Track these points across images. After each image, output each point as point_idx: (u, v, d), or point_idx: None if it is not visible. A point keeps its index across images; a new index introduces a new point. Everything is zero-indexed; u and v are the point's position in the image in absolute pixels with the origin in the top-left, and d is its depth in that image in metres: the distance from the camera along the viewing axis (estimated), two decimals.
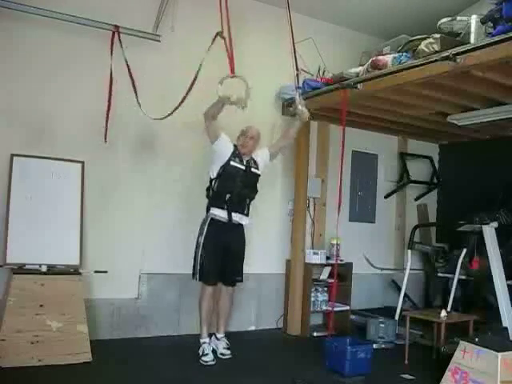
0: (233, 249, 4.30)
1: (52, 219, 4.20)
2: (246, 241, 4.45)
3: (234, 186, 4.18)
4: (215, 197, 4.22)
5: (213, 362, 4.07)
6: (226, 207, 4.18)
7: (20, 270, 3.93)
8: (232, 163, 4.20)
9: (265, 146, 4.61)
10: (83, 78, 4.50)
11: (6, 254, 3.97)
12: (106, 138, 4.43)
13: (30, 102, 4.33)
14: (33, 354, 3.68)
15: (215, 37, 3.98)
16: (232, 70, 3.93)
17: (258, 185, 4.42)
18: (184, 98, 4.04)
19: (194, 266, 4.23)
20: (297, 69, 4.55)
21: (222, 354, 4.29)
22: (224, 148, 4.24)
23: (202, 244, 4.19)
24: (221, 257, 4.22)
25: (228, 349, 4.34)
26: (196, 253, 4.23)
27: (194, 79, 4.00)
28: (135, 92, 4.25)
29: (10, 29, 4.25)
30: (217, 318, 4.49)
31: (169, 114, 4.16)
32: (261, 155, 4.47)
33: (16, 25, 4.26)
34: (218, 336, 4.43)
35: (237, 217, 4.25)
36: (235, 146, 4.33)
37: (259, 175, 4.41)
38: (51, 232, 4.17)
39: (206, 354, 4.10)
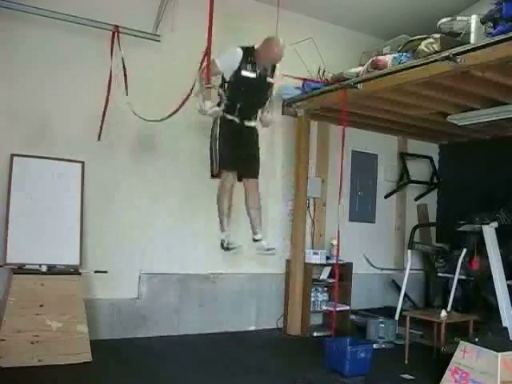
0: (245, 146, 4.11)
1: (52, 219, 4.20)
2: (259, 141, 4.23)
3: (245, 96, 3.97)
4: (226, 104, 3.98)
5: (237, 245, 4.11)
6: (237, 114, 3.99)
7: (20, 270, 3.93)
8: (243, 72, 3.91)
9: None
10: (83, 78, 4.50)
11: (6, 254, 3.97)
12: (99, 137, 4.42)
13: (30, 101, 4.33)
14: (33, 354, 3.69)
15: (204, 55, 3.91)
16: (207, 82, 3.84)
17: (268, 93, 4.16)
18: (178, 109, 4.07)
19: (212, 161, 4.02)
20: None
21: (267, 249, 4.22)
22: (229, 65, 3.92)
23: (217, 136, 4.00)
24: (237, 149, 4.02)
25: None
26: (213, 147, 4.02)
27: (188, 95, 4.01)
28: (126, 90, 4.27)
29: (9, 29, 4.25)
30: (250, 218, 4.31)
31: (164, 119, 4.19)
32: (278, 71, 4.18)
33: (16, 25, 4.26)
34: (257, 237, 4.27)
35: (247, 122, 4.07)
36: (248, 50, 3.97)
37: (273, 84, 4.16)
38: (51, 232, 4.17)
39: (232, 243, 4.11)
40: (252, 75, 3.94)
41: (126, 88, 4.29)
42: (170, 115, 4.15)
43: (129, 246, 4.72)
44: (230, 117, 3.99)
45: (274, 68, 4.09)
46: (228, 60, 3.93)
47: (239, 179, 4.18)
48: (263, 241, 4.25)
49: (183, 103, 4.07)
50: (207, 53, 3.84)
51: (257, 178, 4.24)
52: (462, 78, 4.03)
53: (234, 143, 4.01)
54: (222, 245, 4.13)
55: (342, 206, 4.59)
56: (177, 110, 4.12)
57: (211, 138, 4.03)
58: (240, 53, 3.91)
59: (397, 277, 6.26)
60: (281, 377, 3.90)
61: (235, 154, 4.02)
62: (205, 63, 3.88)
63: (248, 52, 3.94)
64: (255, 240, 4.27)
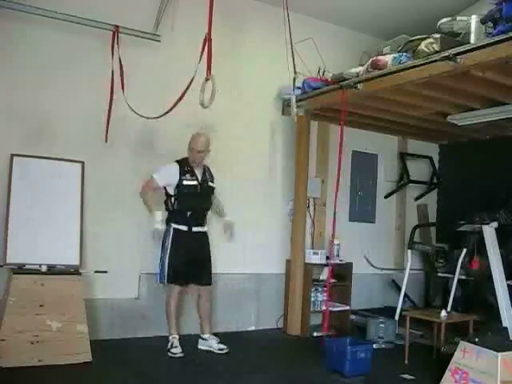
0: (198, 255, 4.43)
1: (52, 219, 4.20)
2: (210, 246, 4.54)
3: (193, 203, 4.34)
4: (176, 214, 4.34)
5: (181, 355, 4.18)
6: (187, 223, 4.33)
7: (20, 270, 3.93)
8: (185, 182, 4.31)
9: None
10: (83, 78, 4.50)
11: (6, 254, 3.97)
12: (106, 139, 4.44)
13: (30, 101, 4.33)
14: (33, 354, 3.69)
15: (204, 40, 3.95)
16: (208, 73, 3.91)
17: (212, 197, 4.56)
18: (174, 105, 4.07)
19: (161, 271, 4.35)
20: (294, 72, 4.59)
21: (219, 349, 4.36)
22: (168, 180, 4.34)
23: (168, 248, 4.30)
24: (188, 259, 4.32)
25: (221, 343, 4.40)
26: (162, 258, 4.35)
27: (182, 94, 4.02)
28: (123, 90, 4.29)
29: (9, 29, 4.25)
30: (200, 320, 4.58)
31: (160, 116, 4.19)
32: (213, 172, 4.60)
33: (16, 25, 4.26)
34: (205, 337, 4.50)
35: (198, 228, 4.41)
36: (182, 161, 4.37)
37: (214, 188, 4.56)
38: (51, 232, 4.17)
39: (175, 347, 4.24)
40: (194, 182, 4.32)
41: (123, 88, 4.29)
42: (166, 112, 4.15)
43: (129, 245, 4.72)
44: (181, 227, 4.32)
45: (210, 173, 4.50)
46: (166, 175, 4.32)
47: (193, 282, 4.49)
48: (212, 340, 4.45)
49: (179, 99, 4.05)
50: (209, 38, 3.90)
51: (210, 284, 4.53)
52: (462, 78, 4.03)
53: (185, 255, 4.29)
54: (168, 349, 4.26)
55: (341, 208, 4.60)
56: (173, 107, 4.11)
57: (162, 247, 4.35)
58: (176, 166, 4.31)
59: (397, 277, 6.26)
60: (281, 377, 3.90)
61: (185, 268, 4.31)
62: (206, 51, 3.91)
63: (184, 163, 4.36)
64: (202, 338, 4.50)
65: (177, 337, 4.35)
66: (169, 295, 4.42)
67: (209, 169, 4.55)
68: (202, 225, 4.43)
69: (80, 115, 4.49)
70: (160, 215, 4.25)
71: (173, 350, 4.21)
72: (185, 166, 4.36)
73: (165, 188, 4.37)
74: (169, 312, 4.41)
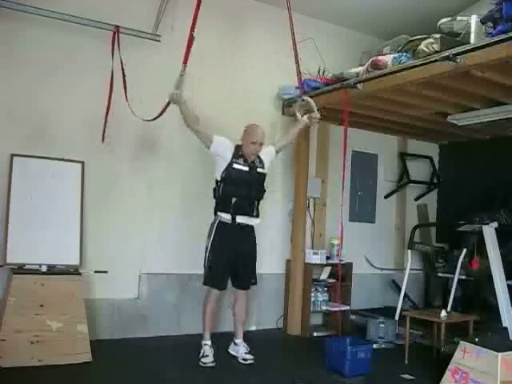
0: (242, 252, 4.17)
1: (52, 219, 4.20)
2: (256, 243, 4.29)
3: (240, 190, 4.04)
4: (221, 201, 4.08)
5: (212, 364, 4.00)
6: (231, 211, 4.04)
7: (20, 270, 3.93)
8: (235, 166, 4.05)
9: (269, 144, 4.45)
10: (83, 78, 4.50)
11: (6, 254, 3.96)
12: (103, 139, 4.44)
13: (30, 101, 4.33)
14: (33, 354, 3.68)
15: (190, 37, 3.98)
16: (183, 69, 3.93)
17: (264, 184, 4.30)
18: (166, 107, 4.10)
19: (204, 271, 4.15)
20: (299, 72, 4.52)
21: (244, 359, 4.17)
22: (222, 150, 4.08)
23: (209, 248, 4.10)
24: (230, 260, 4.10)
25: (249, 353, 4.21)
26: (204, 257, 4.15)
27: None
28: (125, 92, 4.29)
29: (9, 29, 4.25)
30: (234, 323, 4.40)
31: (154, 118, 4.21)
32: (266, 153, 4.27)
33: (16, 25, 4.26)
34: (237, 341, 4.32)
35: (244, 219, 4.11)
36: (237, 146, 4.16)
37: (265, 174, 4.28)
38: (51, 232, 4.17)
39: (206, 356, 4.05)
40: (245, 168, 4.06)
41: (126, 92, 4.29)
42: (158, 115, 4.18)
43: (129, 246, 4.72)
44: (225, 217, 4.06)
45: (261, 161, 4.22)
46: (222, 145, 4.08)
47: (233, 285, 4.29)
48: (242, 347, 4.26)
49: (167, 106, 4.09)
50: (191, 34, 3.94)
51: (254, 284, 4.33)
52: (462, 78, 4.02)
53: (227, 256, 4.07)
54: (200, 358, 4.05)
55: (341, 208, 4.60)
56: (163, 111, 4.15)
57: (206, 242, 4.13)
58: (232, 145, 4.08)
59: (397, 277, 6.26)
60: (281, 377, 3.90)
61: (226, 272, 4.12)
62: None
63: (237, 148, 4.13)
64: (235, 343, 4.31)
65: (209, 343, 4.14)
66: (206, 299, 4.20)
67: (259, 156, 4.21)
68: (249, 215, 4.11)
69: (80, 115, 4.49)
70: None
71: (204, 360, 4.01)
72: (239, 150, 4.11)
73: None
74: (204, 318, 4.20)
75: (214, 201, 4.19)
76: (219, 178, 4.09)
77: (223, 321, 4.92)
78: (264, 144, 4.24)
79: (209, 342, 4.17)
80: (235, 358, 4.25)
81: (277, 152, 4.45)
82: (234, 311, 4.41)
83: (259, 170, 4.19)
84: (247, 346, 4.30)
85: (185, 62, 3.93)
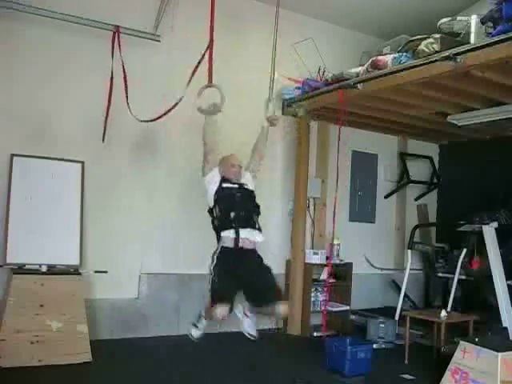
0: (249, 273, 3.82)
1: (52, 219, 4.20)
2: (263, 260, 3.98)
3: (236, 204, 3.91)
4: (221, 220, 3.89)
5: (197, 339, 3.86)
6: (233, 226, 3.81)
7: (20, 269, 3.93)
8: (225, 185, 3.99)
9: (244, 172, 4.27)
10: (83, 78, 4.51)
11: (6, 254, 3.97)
12: (103, 139, 4.43)
13: (30, 101, 4.33)
14: (33, 354, 3.69)
15: (207, 48, 3.92)
16: (209, 80, 3.87)
17: (255, 200, 4.12)
18: (171, 109, 4.07)
19: (210, 292, 3.79)
20: (273, 74, 4.45)
21: (248, 333, 3.92)
22: (214, 177, 4.02)
23: (212, 270, 3.81)
24: (236, 278, 3.75)
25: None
26: (209, 282, 3.82)
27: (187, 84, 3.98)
28: (126, 92, 4.27)
29: (9, 29, 4.25)
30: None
31: (155, 119, 4.19)
32: (248, 180, 4.18)
33: (16, 25, 4.26)
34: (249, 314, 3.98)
35: (247, 233, 3.85)
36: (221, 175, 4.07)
37: (254, 192, 4.14)
38: (51, 232, 4.17)
39: (199, 329, 3.89)
40: (234, 186, 4.00)
41: (126, 91, 4.28)
42: (161, 116, 4.15)
43: (129, 245, 4.72)
44: (228, 239, 3.79)
45: (248, 179, 4.13)
46: (216, 175, 3.99)
47: (259, 306, 3.86)
48: (249, 321, 3.97)
49: (174, 107, 4.07)
50: (210, 46, 3.82)
51: (272, 305, 3.71)
52: (462, 78, 4.03)
53: (232, 275, 3.74)
54: (193, 325, 3.90)
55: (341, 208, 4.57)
56: (167, 112, 4.13)
57: (209, 268, 3.83)
58: (218, 174, 4.00)
59: (397, 277, 6.26)
60: (281, 377, 3.90)
61: (232, 289, 3.73)
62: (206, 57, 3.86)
63: (222, 177, 4.02)
64: (247, 315, 3.98)
65: (205, 323, 3.90)
66: (209, 313, 3.81)
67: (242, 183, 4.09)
68: (252, 227, 3.88)
69: (80, 115, 4.49)
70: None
71: (193, 332, 3.86)
72: (225, 178, 4.01)
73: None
74: (205, 315, 3.92)
75: (215, 232, 3.94)
76: (213, 203, 3.96)
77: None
78: (242, 167, 4.15)
79: (204, 323, 3.92)
80: (240, 360, 4.22)
81: (253, 177, 4.28)
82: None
83: (247, 187, 4.07)
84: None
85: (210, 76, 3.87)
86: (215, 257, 3.86)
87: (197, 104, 3.85)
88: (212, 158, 4.02)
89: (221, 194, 3.99)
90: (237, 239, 3.77)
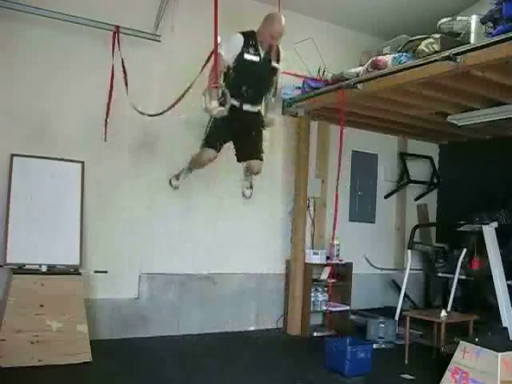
0: (248, 131, 4.09)
1: (52, 219, 4.20)
2: (261, 125, 4.18)
3: (249, 81, 3.91)
4: (232, 87, 3.90)
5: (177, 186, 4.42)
6: (239, 99, 3.93)
7: (20, 269, 3.93)
8: (246, 56, 3.86)
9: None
10: (83, 78, 4.50)
11: (6, 254, 3.97)
12: (105, 138, 4.43)
13: (30, 101, 4.33)
14: (33, 354, 3.69)
15: (211, 54, 3.90)
16: (215, 81, 3.87)
17: (275, 79, 4.13)
18: (176, 102, 4.07)
19: (203, 137, 4.09)
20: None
21: (249, 192, 4.45)
22: (234, 49, 3.87)
23: (211, 119, 4.01)
24: (232, 135, 4.06)
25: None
26: (206, 127, 4.08)
27: (185, 91, 4.01)
28: (126, 90, 4.27)
29: (10, 29, 4.25)
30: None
31: (162, 112, 4.18)
32: (283, 59, 4.12)
33: (16, 25, 4.26)
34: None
35: (250, 107, 4.02)
36: (248, 34, 3.91)
37: (278, 69, 4.08)
38: (51, 232, 4.17)
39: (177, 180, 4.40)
40: (255, 58, 3.89)
41: (127, 89, 4.29)
42: (168, 109, 4.16)
43: (129, 245, 4.72)
44: (232, 102, 3.89)
45: (278, 54, 4.04)
46: (231, 48, 3.88)
47: (238, 160, 4.22)
48: (250, 190, 4.43)
49: (179, 99, 4.06)
50: (215, 51, 3.78)
51: (260, 159, 4.17)
52: (462, 78, 4.03)
53: (231, 128, 4.00)
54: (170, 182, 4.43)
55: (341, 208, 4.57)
56: (173, 105, 4.12)
57: (209, 117, 4.02)
58: (241, 37, 3.88)
59: (397, 277, 6.26)
60: (281, 377, 3.89)
61: (226, 137, 4.05)
62: (211, 63, 3.83)
63: (249, 36, 3.90)
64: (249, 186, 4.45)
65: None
66: (195, 159, 4.24)
67: (278, 49, 4.03)
68: (255, 104, 4.02)
69: (80, 115, 4.49)
70: (215, 104, 3.78)
71: (174, 182, 4.43)
72: (250, 38, 3.89)
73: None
74: (189, 167, 4.36)
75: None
76: (232, 66, 3.91)
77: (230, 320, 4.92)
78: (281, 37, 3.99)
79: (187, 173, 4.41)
80: (240, 360, 4.27)
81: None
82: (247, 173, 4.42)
83: (273, 63, 4.00)
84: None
85: (215, 78, 3.82)
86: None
87: (204, 105, 3.83)
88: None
89: (240, 64, 3.89)
90: (241, 106, 3.97)
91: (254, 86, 3.97)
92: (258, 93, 4.05)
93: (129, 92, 4.29)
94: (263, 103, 4.28)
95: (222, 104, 3.83)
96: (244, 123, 4.04)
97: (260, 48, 3.92)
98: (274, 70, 4.06)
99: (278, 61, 4.06)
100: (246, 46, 3.86)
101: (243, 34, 3.90)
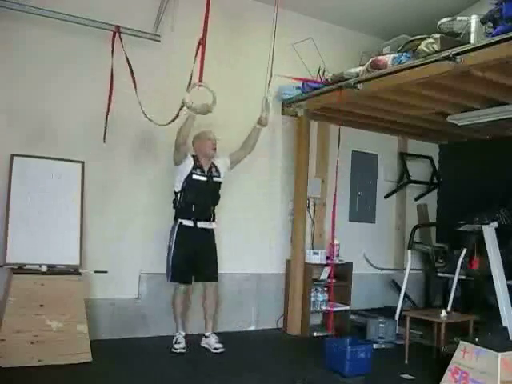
0: (203, 251, 4.46)
1: (52, 219, 4.19)
2: (215, 244, 4.56)
3: (199, 198, 4.37)
4: (182, 209, 4.39)
5: (183, 351, 4.25)
6: (192, 218, 4.36)
7: (20, 269, 3.93)
8: (194, 176, 4.36)
9: (225, 155, 4.65)
10: (83, 78, 4.51)
11: (6, 254, 3.96)
12: (104, 139, 4.43)
13: (30, 102, 4.33)
14: (33, 354, 3.68)
15: (198, 46, 3.99)
16: (200, 79, 3.94)
17: (219, 192, 4.57)
18: (180, 109, 4.12)
19: (167, 269, 4.41)
20: (271, 74, 4.59)
21: (215, 348, 4.40)
22: (186, 164, 4.38)
23: (172, 247, 4.37)
24: (193, 257, 4.37)
25: (220, 342, 4.43)
26: (168, 257, 4.40)
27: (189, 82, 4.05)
28: (135, 88, 4.30)
29: (10, 29, 4.25)
30: (204, 317, 4.59)
31: (170, 122, 4.23)
32: (222, 163, 4.59)
33: (16, 25, 4.26)
34: (206, 334, 4.53)
35: (204, 224, 4.43)
36: (193, 157, 4.44)
37: (221, 183, 4.57)
38: (51, 232, 4.17)
39: (179, 343, 4.30)
40: (202, 178, 4.38)
41: (135, 84, 4.31)
42: (173, 120, 4.23)
43: (129, 246, 4.72)
44: (186, 222, 4.36)
45: (217, 168, 4.52)
46: (188, 160, 4.38)
47: (196, 280, 4.55)
48: (212, 338, 4.48)
49: (181, 108, 4.11)
50: (203, 43, 3.92)
51: (215, 280, 4.54)
52: (462, 78, 4.03)
53: (190, 253, 4.33)
54: (173, 345, 4.32)
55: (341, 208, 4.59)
56: (178, 113, 4.17)
57: (168, 246, 4.40)
58: (191, 159, 4.38)
59: (397, 277, 6.26)
60: (281, 377, 3.89)
61: (190, 267, 4.37)
62: (199, 56, 3.98)
63: (195, 158, 4.43)
64: (205, 336, 4.54)
65: (183, 334, 4.40)
66: (174, 294, 4.47)
67: (215, 165, 4.53)
68: (208, 220, 4.44)
69: (80, 115, 4.49)
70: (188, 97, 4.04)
71: (176, 346, 4.28)
72: (196, 161, 4.42)
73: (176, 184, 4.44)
74: (175, 312, 4.46)
75: (174, 210, 4.45)
76: (179, 189, 4.39)
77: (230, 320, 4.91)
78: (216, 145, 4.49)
79: (183, 333, 4.40)
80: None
81: (232, 163, 4.68)
82: (204, 305, 4.59)
83: (215, 179, 4.51)
84: (216, 337, 4.49)
85: (200, 76, 4.01)
86: (175, 231, 4.38)
87: (185, 100, 3.98)
88: (183, 148, 4.32)
89: (188, 185, 4.37)
90: (195, 224, 4.37)
91: (204, 203, 4.43)
92: (207, 209, 4.47)
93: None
94: (263, 103, 4.62)
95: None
96: (200, 243, 4.42)
97: (204, 168, 4.44)
98: (219, 184, 4.56)
99: (219, 176, 4.54)
100: (194, 168, 4.37)
101: (193, 156, 4.43)
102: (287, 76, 5.08)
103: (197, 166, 4.39)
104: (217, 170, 4.53)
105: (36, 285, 3.81)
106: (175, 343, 4.31)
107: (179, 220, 4.39)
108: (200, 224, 4.39)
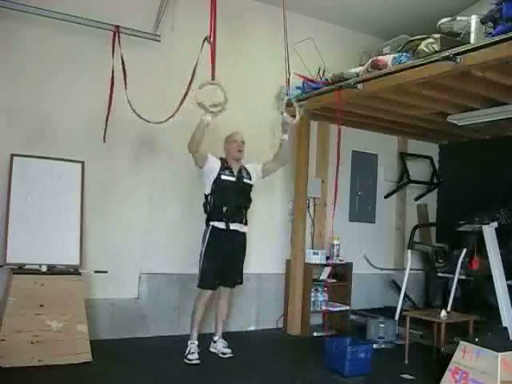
0: (233, 255, 4.35)
1: (52, 219, 4.20)
2: (246, 248, 4.48)
3: (230, 198, 4.26)
4: (213, 211, 4.27)
5: (197, 362, 4.06)
6: (224, 219, 4.24)
7: (20, 269, 3.93)
8: (223, 177, 4.27)
9: (260, 162, 4.60)
10: (83, 78, 4.51)
11: (6, 254, 3.97)
12: (104, 139, 4.43)
13: (30, 102, 4.33)
14: (33, 354, 3.68)
15: (203, 42, 3.96)
16: (213, 76, 3.91)
17: (251, 194, 4.48)
18: (180, 104, 4.07)
19: (199, 274, 4.28)
20: (289, 73, 4.55)
21: (223, 353, 4.33)
22: (212, 166, 4.28)
23: (203, 252, 4.26)
24: (221, 263, 4.26)
25: (228, 347, 4.37)
26: (199, 262, 4.29)
27: (189, 85, 4.02)
28: (126, 90, 4.27)
29: (10, 29, 4.25)
30: (215, 321, 4.54)
31: (165, 120, 4.20)
32: (253, 168, 4.51)
33: (16, 25, 4.26)
34: (215, 339, 4.47)
35: (237, 226, 4.31)
36: (222, 159, 4.37)
37: (252, 185, 4.47)
38: (51, 232, 4.17)
39: (192, 353, 4.12)
40: (231, 179, 4.30)
41: (125, 82, 4.29)
42: (170, 117, 4.17)
43: (129, 246, 4.72)
44: (218, 224, 4.24)
45: (247, 171, 4.45)
46: (213, 162, 4.29)
47: (220, 284, 4.41)
48: (220, 343, 4.42)
49: (181, 104, 4.08)
50: (213, 40, 3.87)
51: (241, 284, 4.53)
52: (462, 78, 4.02)
53: (220, 259, 4.24)
54: (186, 355, 4.13)
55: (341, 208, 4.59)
56: (176, 111, 4.13)
57: (200, 252, 4.28)
58: (219, 161, 4.32)
59: (397, 277, 6.26)
60: (281, 377, 3.90)
61: (217, 273, 4.27)
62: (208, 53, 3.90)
63: (223, 160, 4.37)
64: (213, 341, 4.47)
65: (196, 343, 4.23)
66: (198, 299, 4.31)
67: (245, 168, 4.46)
68: (240, 222, 4.32)
69: (80, 115, 4.49)
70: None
71: (189, 357, 4.09)
72: (225, 163, 4.35)
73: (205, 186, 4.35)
74: (194, 318, 4.31)
75: (206, 215, 4.33)
76: (209, 191, 4.30)
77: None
78: (244, 144, 4.44)
79: (196, 342, 4.25)
80: (240, 359, 4.28)
81: (263, 171, 4.60)
82: (217, 309, 4.53)
83: (246, 180, 4.41)
84: (225, 341, 4.42)
85: (213, 73, 3.93)
86: (207, 236, 4.26)
87: (197, 99, 3.89)
88: (197, 156, 4.24)
89: (217, 186, 4.27)
90: (227, 226, 4.25)
91: (235, 204, 4.31)
92: (239, 210, 4.33)
93: (128, 92, 4.29)
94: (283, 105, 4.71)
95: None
96: (231, 248, 4.31)
97: (234, 170, 4.35)
98: (249, 186, 4.46)
99: (249, 179, 4.45)
100: (222, 169, 4.30)
101: (220, 158, 4.37)
102: (301, 75, 5.08)
103: (225, 167, 4.31)
104: (248, 173, 4.44)
105: (36, 285, 3.81)
106: (189, 353, 4.12)
107: (211, 223, 4.26)
108: (232, 226, 4.26)
